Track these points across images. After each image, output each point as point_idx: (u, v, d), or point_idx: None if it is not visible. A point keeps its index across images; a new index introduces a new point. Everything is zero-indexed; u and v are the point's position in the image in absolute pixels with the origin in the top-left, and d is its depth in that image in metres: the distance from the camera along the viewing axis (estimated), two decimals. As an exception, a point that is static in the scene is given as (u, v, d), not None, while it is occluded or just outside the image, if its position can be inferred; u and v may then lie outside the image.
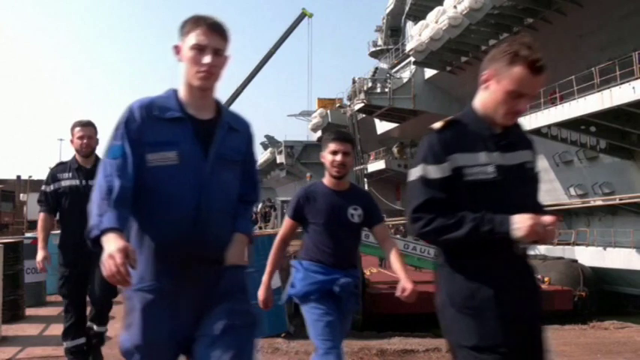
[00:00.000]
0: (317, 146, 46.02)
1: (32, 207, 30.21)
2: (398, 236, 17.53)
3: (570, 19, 19.15)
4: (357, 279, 2.97)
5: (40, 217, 4.00)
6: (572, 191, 21.44)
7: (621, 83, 15.83)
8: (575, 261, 17.50)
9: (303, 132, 56.08)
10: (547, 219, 1.68)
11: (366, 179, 34.46)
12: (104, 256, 1.64)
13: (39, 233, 3.96)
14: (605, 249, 17.79)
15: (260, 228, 19.79)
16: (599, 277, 16.97)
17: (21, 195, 37.45)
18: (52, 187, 3.95)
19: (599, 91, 16.60)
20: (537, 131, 20.07)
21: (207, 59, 1.86)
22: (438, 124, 1.84)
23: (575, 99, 17.67)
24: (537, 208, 1.82)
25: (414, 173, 1.81)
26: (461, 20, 21.44)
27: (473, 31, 22.19)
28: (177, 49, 1.93)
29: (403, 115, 31.06)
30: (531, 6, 20.05)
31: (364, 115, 33.85)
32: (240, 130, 2.04)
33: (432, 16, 23.39)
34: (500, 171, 1.77)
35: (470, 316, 1.74)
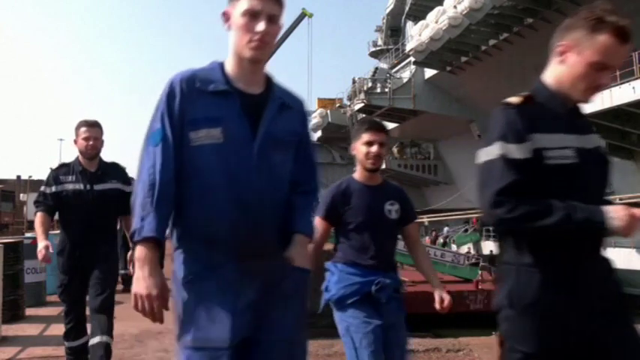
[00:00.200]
0: (317, 146, 46.05)
1: (32, 207, 30.17)
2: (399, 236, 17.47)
3: (570, 19, 19.12)
4: (398, 282, 2.68)
5: (37, 216, 3.74)
6: (572, 191, 21.43)
7: (621, 83, 15.84)
8: (575, 261, 17.48)
9: (303, 132, 55.80)
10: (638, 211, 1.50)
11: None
12: (136, 284, 1.58)
13: (37, 228, 3.70)
14: (605, 249, 17.77)
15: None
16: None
17: (21, 195, 37.45)
18: (53, 189, 3.72)
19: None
20: (537, 131, 20.05)
21: (260, 27, 1.65)
22: (515, 99, 1.64)
23: (575, 99, 17.63)
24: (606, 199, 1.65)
25: (491, 152, 1.58)
26: (461, 20, 21.44)
27: (473, 31, 22.18)
28: (225, 16, 1.73)
29: (403, 115, 31.06)
30: (531, 6, 20.06)
31: (364, 115, 33.84)
32: (294, 107, 1.81)
33: (432, 16, 23.39)
34: (581, 155, 1.58)
35: (531, 321, 1.54)
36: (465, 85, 25.60)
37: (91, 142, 3.73)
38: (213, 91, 1.68)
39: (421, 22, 24.70)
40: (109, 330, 3.58)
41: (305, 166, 1.85)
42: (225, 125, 1.65)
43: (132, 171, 3.93)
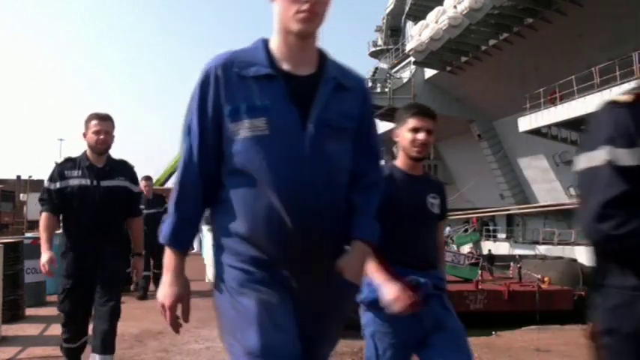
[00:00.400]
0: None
1: (32, 207, 30.21)
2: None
3: (570, 19, 19.14)
4: (440, 280, 2.39)
5: (43, 217, 3.51)
6: (572, 191, 21.44)
7: (621, 83, 15.83)
8: (575, 260, 17.50)
9: (303, 132, 55.77)
10: None
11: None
12: (159, 289, 1.54)
13: (42, 233, 3.49)
14: None
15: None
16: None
17: (21, 195, 37.45)
18: (57, 185, 3.47)
19: (599, 91, 16.62)
20: (537, 131, 20.10)
21: None
22: (625, 97, 1.42)
23: (575, 99, 17.69)
24: None
25: (596, 157, 1.35)
26: (461, 20, 21.44)
27: (473, 31, 22.18)
28: None
29: (403, 115, 31.01)
30: (531, 6, 20.05)
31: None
32: (352, 87, 1.58)
33: (432, 16, 23.40)
34: None
35: (635, 351, 1.33)
36: (465, 85, 25.59)
37: (101, 137, 3.50)
38: (255, 76, 1.47)
39: (421, 22, 24.70)
40: (111, 347, 3.42)
41: (366, 155, 1.63)
42: (270, 114, 1.44)
43: (140, 172, 3.90)
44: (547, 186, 23.66)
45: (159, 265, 8.59)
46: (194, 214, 1.55)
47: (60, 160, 3.68)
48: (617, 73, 16.41)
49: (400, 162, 2.46)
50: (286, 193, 1.44)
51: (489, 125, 26.79)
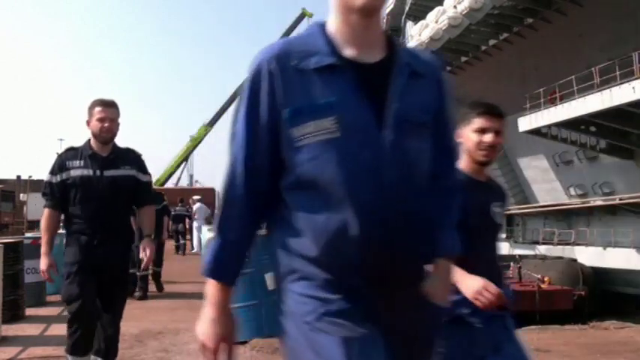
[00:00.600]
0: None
1: (32, 207, 30.22)
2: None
3: (570, 19, 19.17)
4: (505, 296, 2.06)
5: (44, 215, 3.33)
6: (572, 191, 21.45)
7: (621, 83, 15.84)
8: (575, 260, 17.52)
9: (303, 132, 55.81)
10: None
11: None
12: (199, 324, 1.31)
13: (42, 234, 3.33)
14: (604, 249, 17.81)
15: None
16: (599, 276, 17.00)
17: (21, 195, 37.47)
18: (58, 178, 3.25)
19: (599, 91, 16.62)
20: (537, 131, 20.09)
21: None
22: None
23: (575, 99, 17.69)
24: None
25: None
26: (461, 20, 21.46)
27: (473, 31, 22.20)
28: None
29: (403, 115, 31.07)
30: (531, 6, 20.08)
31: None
32: (427, 74, 1.33)
33: (432, 16, 23.41)
34: None
35: None
36: (465, 85, 25.60)
37: (106, 124, 3.27)
38: (316, 68, 1.23)
39: (421, 22, 24.72)
40: (115, 351, 3.32)
41: (445, 154, 1.39)
42: (340, 112, 1.20)
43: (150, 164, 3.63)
44: (547, 186, 23.65)
45: (159, 263, 8.61)
46: (241, 238, 1.30)
47: (62, 145, 3.59)
48: (617, 73, 16.41)
49: (464, 166, 2.15)
50: (365, 205, 1.20)
51: (489, 125, 26.73)
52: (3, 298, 5.51)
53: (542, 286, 12.93)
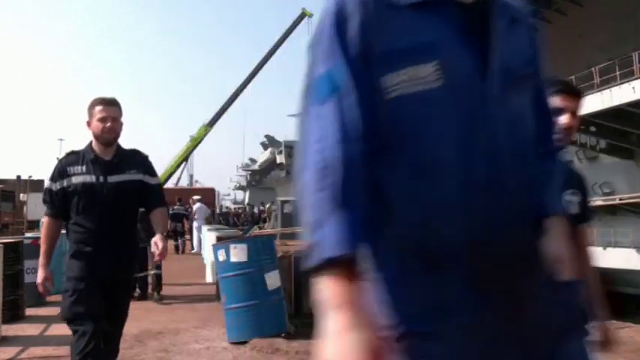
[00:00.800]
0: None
1: (32, 207, 30.27)
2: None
3: (570, 19, 19.18)
4: (577, 304, 1.50)
5: (45, 224, 3.14)
6: (572, 191, 21.46)
7: (621, 83, 15.87)
8: (575, 261, 17.51)
9: (303, 132, 56.02)
10: None
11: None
12: (329, 347, 0.82)
13: (42, 244, 3.11)
14: (604, 249, 17.81)
15: (260, 228, 19.81)
16: (599, 276, 16.99)
17: (21, 195, 37.46)
18: (58, 185, 3.03)
19: (599, 91, 16.63)
20: (537, 131, 20.08)
21: None
22: None
23: (575, 99, 17.66)
24: None
25: None
26: (461, 20, 21.47)
27: (473, 31, 22.22)
28: None
29: (403, 115, 31.08)
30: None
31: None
32: (523, 20, 1.12)
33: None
34: None
35: None
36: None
37: (108, 124, 3.03)
38: (411, 4, 0.98)
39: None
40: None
41: (544, 114, 1.15)
42: (442, 57, 0.96)
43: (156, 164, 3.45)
44: (547, 186, 23.67)
45: (158, 265, 8.53)
46: (364, 212, 0.92)
47: (62, 155, 3.24)
48: (617, 73, 16.42)
49: None
50: (476, 174, 0.96)
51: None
52: (3, 298, 5.51)
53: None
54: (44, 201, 3.13)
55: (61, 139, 56.39)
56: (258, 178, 64.76)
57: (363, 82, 0.97)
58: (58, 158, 3.28)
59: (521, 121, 1.04)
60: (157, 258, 3.18)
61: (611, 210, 19.25)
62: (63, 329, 3.86)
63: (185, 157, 46.80)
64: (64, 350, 3.90)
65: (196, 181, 60.17)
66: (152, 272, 8.00)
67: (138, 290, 7.68)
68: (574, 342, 1.03)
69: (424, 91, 0.96)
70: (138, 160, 3.19)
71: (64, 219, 3.07)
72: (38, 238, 3.92)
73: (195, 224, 16.31)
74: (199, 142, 46.14)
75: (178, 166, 46.41)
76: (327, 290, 0.88)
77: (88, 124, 3.09)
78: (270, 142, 57.45)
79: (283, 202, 15.65)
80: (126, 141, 3.18)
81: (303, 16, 44.89)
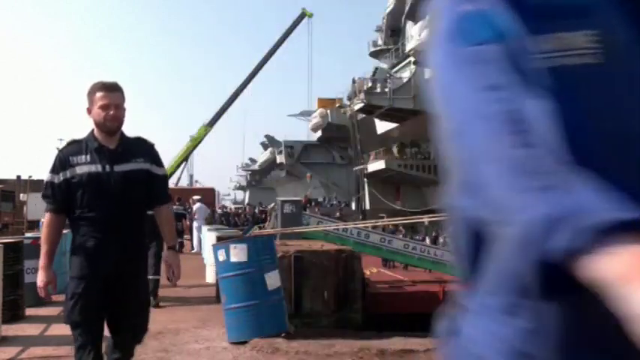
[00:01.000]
0: (317, 146, 46.09)
1: (32, 207, 30.25)
2: (400, 236, 17.54)
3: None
4: None
5: (46, 221, 2.94)
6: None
7: (621, 83, 15.87)
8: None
9: (304, 132, 56.14)
10: None
11: (366, 179, 34.49)
12: None
13: (42, 244, 2.89)
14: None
15: (260, 228, 19.80)
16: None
17: (21, 195, 37.44)
18: (61, 177, 2.80)
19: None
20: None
21: None
22: None
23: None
24: None
25: None
26: (461, 20, 21.49)
27: (473, 31, 22.23)
28: None
29: (403, 115, 31.08)
30: (531, 6, 20.11)
31: (364, 115, 33.85)
32: None
33: (432, 16, 23.43)
34: None
35: None
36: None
37: (111, 112, 2.82)
38: None
39: (421, 22, 24.73)
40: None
41: None
42: (604, 26, 0.73)
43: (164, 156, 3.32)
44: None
45: (157, 270, 8.21)
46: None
47: (62, 144, 3.02)
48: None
49: None
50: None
51: (489, 125, 26.77)
52: (3, 298, 5.51)
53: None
54: (44, 196, 2.91)
55: (61, 139, 56.37)
56: (258, 178, 64.78)
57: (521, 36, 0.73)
58: (57, 148, 3.09)
59: None
60: (174, 282, 3.12)
61: None
62: (63, 329, 3.86)
63: (185, 157, 46.84)
64: (64, 350, 3.90)
65: (196, 181, 60.23)
66: (150, 277, 7.90)
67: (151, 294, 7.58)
68: None
69: (581, 65, 0.73)
70: (144, 148, 3.02)
71: (67, 214, 2.88)
72: (38, 238, 3.91)
73: (195, 224, 16.31)
74: (199, 142, 46.16)
75: (178, 166, 46.44)
76: (621, 262, 0.57)
77: (89, 111, 2.89)
78: (270, 142, 57.41)
79: (283, 202, 15.63)
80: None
81: (303, 16, 44.90)
